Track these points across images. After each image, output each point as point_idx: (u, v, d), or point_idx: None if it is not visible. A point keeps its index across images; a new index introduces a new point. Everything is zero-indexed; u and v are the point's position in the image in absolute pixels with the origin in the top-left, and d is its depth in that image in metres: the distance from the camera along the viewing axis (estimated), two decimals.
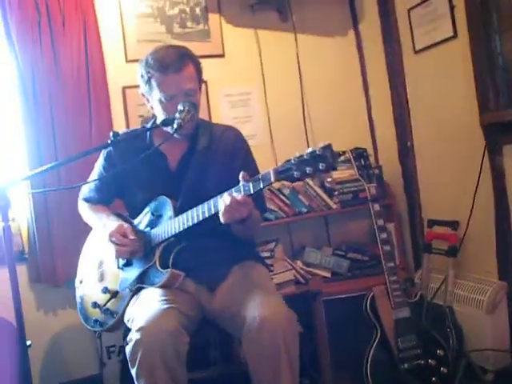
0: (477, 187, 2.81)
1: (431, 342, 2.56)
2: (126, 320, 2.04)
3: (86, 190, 2.41)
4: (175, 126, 1.91)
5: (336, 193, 3.31)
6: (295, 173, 1.64)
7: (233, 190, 1.79)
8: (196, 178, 2.13)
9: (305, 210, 3.28)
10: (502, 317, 2.74)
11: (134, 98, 3.00)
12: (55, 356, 3.09)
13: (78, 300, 2.38)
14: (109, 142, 1.91)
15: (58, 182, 2.94)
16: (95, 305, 2.24)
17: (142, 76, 2.08)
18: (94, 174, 2.33)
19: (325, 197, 3.30)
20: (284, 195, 3.26)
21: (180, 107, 1.95)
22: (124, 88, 3.16)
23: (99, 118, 3.06)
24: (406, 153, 3.38)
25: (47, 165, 2.88)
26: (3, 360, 2.70)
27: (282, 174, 1.67)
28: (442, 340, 2.57)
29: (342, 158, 3.36)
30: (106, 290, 2.23)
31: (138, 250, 2.13)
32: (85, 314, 2.31)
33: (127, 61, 3.19)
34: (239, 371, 2.69)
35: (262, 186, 1.74)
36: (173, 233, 2.03)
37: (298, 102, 3.52)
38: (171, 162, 2.19)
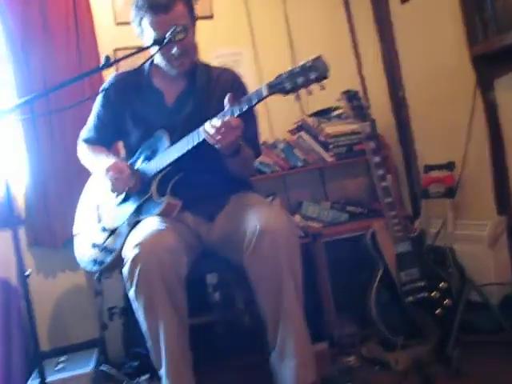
0: (470, 125, 2.82)
1: (434, 275, 2.55)
2: (123, 255, 1.96)
3: (84, 131, 2.41)
4: (166, 41, 1.92)
5: (331, 146, 3.31)
6: (287, 85, 1.66)
7: (223, 112, 1.81)
8: (193, 113, 2.13)
9: (300, 163, 3.28)
10: (504, 250, 2.73)
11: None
12: (56, 320, 3.07)
13: (76, 247, 2.36)
14: (100, 65, 1.92)
15: (51, 135, 2.95)
16: (94, 245, 2.22)
17: (134, 18, 2.08)
18: (92, 115, 2.34)
19: (320, 150, 3.30)
20: (280, 149, 3.27)
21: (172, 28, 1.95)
22: (115, 50, 3.15)
23: (91, 82, 3.06)
24: (398, 104, 3.38)
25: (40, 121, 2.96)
26: (12, 322, 2.70)
27: (274, 87, 1.69)
28: (444, 273, 2.58)
29: (334, 113, 3.41)
30: (103, 229, 2.22)
31: (135, 185, 2.13)
32: (83, 257, 2.28)
33: (117, 23, 3.20)
34: (239, 315, 2.71)
35: (255, 101, 1.76)
36: (168, 162, 2.03)
37: (289, 61, 3.52)
38: (168, 99, 2.19)
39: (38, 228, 2.97)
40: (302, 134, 3.30)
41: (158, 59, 2.13)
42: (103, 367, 2.67)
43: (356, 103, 2.76)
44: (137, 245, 1.83)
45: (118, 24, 3.19)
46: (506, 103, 2.67)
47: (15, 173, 3.01)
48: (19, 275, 1.82)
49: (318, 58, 1.63)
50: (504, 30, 2.55)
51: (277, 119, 3.39)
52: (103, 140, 2.35)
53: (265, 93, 1.72)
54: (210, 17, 3.38)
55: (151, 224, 1.96)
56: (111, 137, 2.35)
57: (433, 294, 2.50)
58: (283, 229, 1.86)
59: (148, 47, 2.01)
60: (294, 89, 1.67)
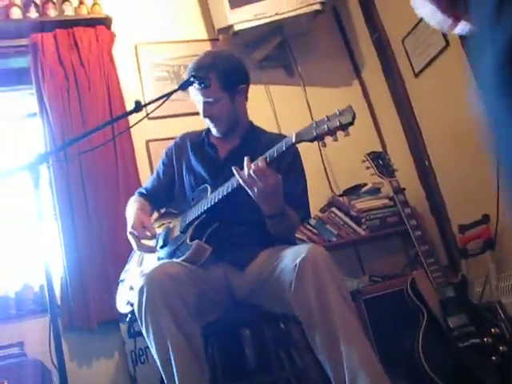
0: (498, 174, 2.81)
1: (483, 320, 2.43)
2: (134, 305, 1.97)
3: (143, 186, 2.57)
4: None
5: (363, 220, 3.32)
6: (314, 131, 1.76)
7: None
8: (240, 165, 2.22)
9: (334, 238, 3.27)
10: None
11: (157, 150, 3.18)
12: None
13: (118, 293, 2.36)
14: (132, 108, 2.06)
15: (87, 220, 3.04)
16: (131, 288, 2.21)
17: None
18: (154, 173, 2.53)
19: (352, 224, 3.30)
20: (311, 226, 3.28)
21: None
22: (147, 141, 3.35)
23: (126, 171, 3.22)
24: (425, 174, 3.42)
25: (78, 218, 3.08)
26: None
27: (302, 135, 1.79)
28: (494, 318, 2.44)
29: (363, 189, 3.46)
30: (142, 273, 2.22)
31: (172, 230, 2.22)
32: (120, 300, 2.29)
33: (148, 118, 3.42)
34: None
35: (283, 148, 1.84)
36: (205, 208, 2.09)
37: (316, 151, 3.64)
38: (221, 153, 2.32)
39: (74, 310, 2.95)
40: (334, 209, 3.33)
41: None
42: None
43: (381, 162, 2.84)
44: (143, 276, 1.88)
45: (150, 118, 3.40)
46: None
47: (52, 258, 3.06)
48: (58, 361, 1.77)
49: (347, 107, 1.73)
50: None
51: None
52: (155, 197, 2.45)
53: (293, 139, 1.80)
54: None
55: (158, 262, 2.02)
56: (164, 197, 2.45)
57: (485, 340, 2.35)
58: (321, 256, 1.83)
59: (174, 91, 2.15)
60: (321, 135, 1.75)
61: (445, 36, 3.07)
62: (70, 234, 3.06)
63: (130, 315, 2.17)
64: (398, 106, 3.58)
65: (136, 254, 2.42)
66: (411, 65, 3.39)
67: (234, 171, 1.89)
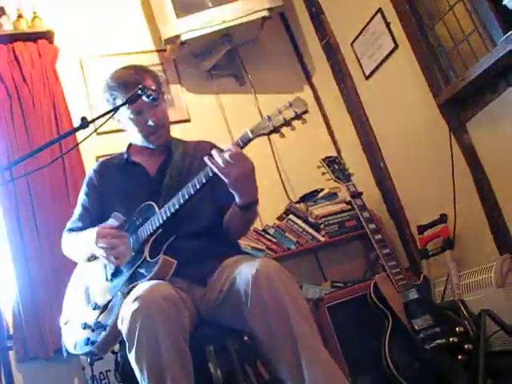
0: (453, 173, 2.83)
1: (448, 320, 2.42)
2: (119, 322, 1.81)
3: (69, 223, 2.36)
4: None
5: (322, 226, 3.29)
6: (269, 124, 1.70)
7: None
8: (175, 179, 2.14)
9: (293, 246, 3.22)
10: None
11: None
12: None
13: (64, 337, 2.20)
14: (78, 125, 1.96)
15: (38, 241, 2.92)
16: (85, 326, 2.03)
17: (108, 100, 2.18)
18: (77, 206, 2.34)
19: (311, 231, 3.27)
20: (270, 235, 3.23)
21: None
22: (98, 158, 3.24)
23: (76, 188, 3.08)
24: (381, 176, 3.42)
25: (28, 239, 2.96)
26: None
27: (258, 129, 1.72)
28: (458, 317, 2.44)
29: (320, 194, 3.43)
30: (95, 306, 2.06)
31: (127, 252, 2.05)
32: (73, 342, 2.10)
33: (97, 133, 3.32)
34: None
35: (243, 143, 1.76)
36: (160, 222, 1.97)
37: (270, 158, 3.62)
38: (150, 171, 2.22)
39: (29, 340, 2.81)
40: (291, 217, 3.29)
41: (135, 138, 2.21)
42: None
43: (337, 167, 2.82)
44: (135, 299, 1.71)
45: (99, 134, 3.30)
46: (482, 142, 2.73)
47: (2, 283, 2.93)
48: None
49: (296, 97, 1.70)
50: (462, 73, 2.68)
51: (264, 208, 3.37)
52: (89, 227, 2.25)
53: (250, 135, 1.73)
54: (188, 120, 3.53)
55: (146, 283, 1.86)
56: (95, 225, 2.27)
57: (451, 339, 2.34)
58: (274, 270, 1.77)
59: (120, 105, 2.05)
60: (277, 127, 1.70)
61: (393, 37, 3.08)
62: (21, 256, 2.93)
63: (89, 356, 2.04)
64: (350, 109, 3.58)
65: (74, 293, 2.27)
66: (361, 67, 3.38)
67: (207, 161, 1.79)
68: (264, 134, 1.73)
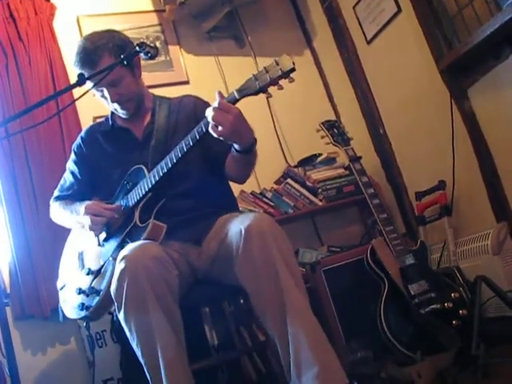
0: (453, 139, 2.82)
1: (443, 286, 2.42)
2: (111, 289, 1.78)
3: (56, 191, 2.36)
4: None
5: (319, 190, 3.28)
6: (257, 84, 1.67)
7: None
8: (163, 140, 2.12)
9: (290, 210, 3.22)
10: (510, 255, 2.61)
11: None
12: None
13: (62, 301, 2.20)
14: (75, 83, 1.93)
15: (34, 201, 2.90)
16: (79, 291, 2.05)
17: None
18: (66, 174, 2.32)
19: (308, 195, 3.26)
20: (267, 198, 3.22)
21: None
22: (95, 118, 3.20)
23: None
24: (380, 142, 3.40)
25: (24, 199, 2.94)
26: None
27: (245, 89, 1.70)
28: (453, 283, 2.45)
29: (318, 159, 3.42)
30: (88, 272, 2.07)
31: (116, 220, 2.05)
32: (70, 307, 2.12)
33: (93, 94, 3.27)
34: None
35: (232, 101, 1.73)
36: (149, 186, 1.97)
37: (269, 121, 3.58)
38: (137, 134, 2.19)
39: (25, 298, 2.82)
40: (289, 181, 3.28)
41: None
42: None
43: (336, 131, 2.79)
44: (122, 258, 1.72)
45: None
46: (483, 109, 2.71)
47: None
48: (7, 352, 1.65)
49: (283, 55, 1.66)
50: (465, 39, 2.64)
51: (262, 171, 3.36)
52: (76, 197, 2.26)
53: (236, 96, 1.71)
54: (187, 82, 3.49)
55: (135, 243, 1.86)
56: (85, 193, 2.26)
57: (446, 305, 2.35)
58: (267, 225, 1.77)
59: (116, 63, 1.98)
60: (264, 87, 1.67)
61: (397, 1, 3.02)
62: (17, 217, 2.92)
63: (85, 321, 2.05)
64: (351, 73, 3.54)
65: (68, 259, 2.28)
66: (363, 32, 3.33)
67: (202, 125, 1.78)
68: (251, 94, 1.71)
